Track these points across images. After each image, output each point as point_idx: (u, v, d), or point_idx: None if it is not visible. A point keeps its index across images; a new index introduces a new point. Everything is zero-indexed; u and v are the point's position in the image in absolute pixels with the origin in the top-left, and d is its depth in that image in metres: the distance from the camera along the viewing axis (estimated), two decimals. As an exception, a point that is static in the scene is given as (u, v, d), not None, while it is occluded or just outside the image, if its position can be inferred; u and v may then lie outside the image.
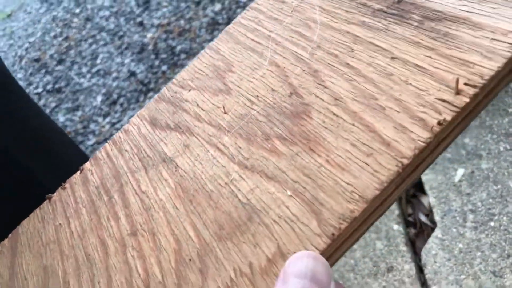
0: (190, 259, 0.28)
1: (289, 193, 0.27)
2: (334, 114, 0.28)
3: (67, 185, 0.39)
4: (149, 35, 2.33)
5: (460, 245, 0.76)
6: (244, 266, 0.25)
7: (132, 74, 2.18)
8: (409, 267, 0.79)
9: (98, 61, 2.43)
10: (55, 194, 0.39)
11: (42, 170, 0.55)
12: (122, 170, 0.36)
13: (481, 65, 0.25)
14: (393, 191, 0.24)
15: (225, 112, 0.34)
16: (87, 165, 0.40)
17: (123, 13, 2.70)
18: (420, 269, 0.79)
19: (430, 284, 0.75)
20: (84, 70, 2.42)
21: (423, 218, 0.87)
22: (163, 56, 2.15)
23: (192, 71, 0.40)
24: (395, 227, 0.84)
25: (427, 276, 0.77)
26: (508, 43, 0.25)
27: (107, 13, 2.76)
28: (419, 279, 0.77)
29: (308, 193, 0.26)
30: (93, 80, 2.30)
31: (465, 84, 0.25)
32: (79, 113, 2.18)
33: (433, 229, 0.81)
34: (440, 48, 0.27)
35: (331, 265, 0.24)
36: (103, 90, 2.22)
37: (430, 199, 0.84)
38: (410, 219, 0.89)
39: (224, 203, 0.29)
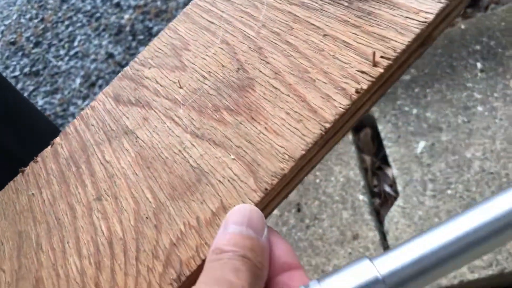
0: (147, 217, 0.31)
1: (232, 157, 0.30)
2: (273, 86, 0.32)
3: (39, 158, 0.42)
4: (126, 16, 2.32)
5: (420, 213, 0.81)
6: (192, 220, 0.29)
7: (110, 55, 2.18)
8: (373, 235, 0.84)
9: (76, 43, 2.41)
10: (27, 167, 0.42)
11: (16, 145, 0.58)
12: (89, 143, 0.40)
13: (395, 40, 0.29)
14: (317, 152, 0.28)
15: (180, 87, 0.37)
16: (57, 139, 0.43)
17: (99, -7, 2.67)
18: (383, 236, 0.84)
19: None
20: (61, 52, 2.41)
21: (387, 188, 0.92)
22: (140, 37, 2.15)
23: (152, 50, 0.43)
24: (361, 197, 0.89)
25: (389, 242, 0.82)
26: (418, 20, 0.28)
27: (83, -6, 2.72)
28: (382, 245, 0.82)
29: (248, 156, 0.30)
30: (71, 63, 2.29)
31: (381, 57, 0.28)
32: (58, 96, 2.18)
33: (396, 199, 0.86)
34: (364, 25, 0.31)
35: (266, 216, 0.28)
36: (82, 73, 2.21)
37: (393, 171, 0.89)
38: (375, 190, 0.94)
39: (177, 168, 0.32)
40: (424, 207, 0.81)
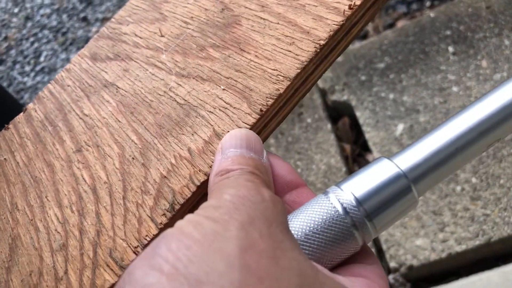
0: (133, 158, 0.29)
1: (222, 87, 0.29)
2: (261, 18, 0.31)
3: (10, 125, 0.40)
4: (94, 29, 2.29)
5: (403, 193, 0.80)
6: (183, 151, 0.27)
7: (79, 68, 2.13)
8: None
9: (42, 58, 2.36)
10: (-2, 135, 0.40)
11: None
12: (65, 102, 0.37)
13: (385, -42, 0.28)
14: (313, 70, 0.27)
15: (161, 36, 0.36)
16: (30, 105, 0.40)
17: (65, 10, 2.63)
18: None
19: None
20: (27, 68, 2.35)
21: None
22: (110, 48, 2.12)
23: (129, 9, 0.41)
24: (343, 183, 0.88)
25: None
26: None
27: (48, 11, 2.68)
28: (367, 228, 0.81)
29: (239, 84, 0.28)
30: (38, 78, 2.24)
31: (372, -26, 0.27)
32: (25, 112, 2.12)
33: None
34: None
35: (263, 140, 0.27)
36: (49, 88, 2.16)
37: (374, 154, 0.89)
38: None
39: (163, 108, 0.31)
40: (407, 187, 0.81)
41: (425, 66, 0.95)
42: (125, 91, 0.34)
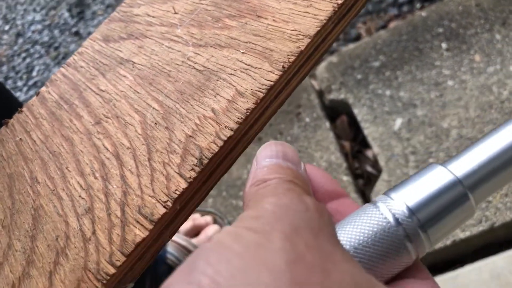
0: (155, 123, 0.30)
1: (242, 51, 0.29)
2: (275, -14, 0.32)
3: (24, 108, 0.40)
4: (87, 42, 2.30)
5: (405, 185, 0.81)
6: (207, 112, 0.28)
7: (72, 82, 2.13)
8: (360, 212, 0.83)
9: (34, 73, 2.36)
10: (11, 118, 0.40)
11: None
12: (80, 82, 0.38)
13: None
14: (332, 29, 0.28)
15: (175, 13, 0.36)
16: (43, 88, 0.40)
17: (56, 25, 2.64)
18: (371, 213, 0.83)
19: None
20: (19, 83, 2.34)
21: (369, 168, 0.92)
22: (103, 60, 2.12)
23: (140, -8, 0.42)
24: (345, 178, 0.89)
25: (378, 218, 0.82)
26: None
27: (39, 27, 2.68)
28: (370, 221, 0.82)
29: (259, 47, 0.29)
30: (31, 92, 2.23)
31: None
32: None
33: (379, 177, 0.87)
34: None
35: (288, 95, 0.27)
36: (42, 102, 2.15)
37: (374, 149, 0.90)
38: (358, 172, 0.94)
39: (182, 76, 0.31)
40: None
41: (420, 62, 0.97)
42: (142, 65, 0.34)
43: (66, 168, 0.32)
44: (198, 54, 0.32)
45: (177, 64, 0.32)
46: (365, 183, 0.91)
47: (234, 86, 0.28)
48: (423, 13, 1.06)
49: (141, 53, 0.35)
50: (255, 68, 0.28)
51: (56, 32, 2.55)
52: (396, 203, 0.20)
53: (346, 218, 0.21)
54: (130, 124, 0.31)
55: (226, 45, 0.31)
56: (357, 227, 0.20)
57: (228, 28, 0.32)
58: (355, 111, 0.97)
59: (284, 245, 0.16)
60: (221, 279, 0.15)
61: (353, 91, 1.00)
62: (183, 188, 0.25)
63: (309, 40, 0.27)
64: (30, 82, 2.31)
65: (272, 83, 0.27)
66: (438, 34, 1.00)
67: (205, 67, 0.30)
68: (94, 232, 0.27)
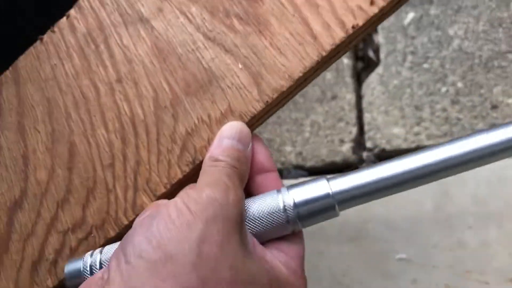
0: (165, 106, 0.38)
1: (240, 66, 0.36)
2: (281, 3, 0.35)
3: (56, 29, 0.46)
4: None
5: (395, 82, 0.88)
6: (204, 116, 0.36)
7: None
8: (350, 97, 0.92)
9: None
10: (45, 35, 0.46)
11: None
12: (105, 23, 0.43)
13: (394, -18, 0.32)
14: (312, 74, 0.34)
15: (194, -18, 0.40)
16: (72, 12, 0.45)
17: None
18: (359, 99, 0.92)
19: (365, 111, 0.90)
20: None
21: (371, 54, 0.97)
22: None
23: None
24: (346, 61, 0.95)
25: (363, 105, 0.91)
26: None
27: None
28: (356, 107, 0.91)
29: (254, 67, 0.35)
30: None
31: (379, -4, 0.32)
32: None
33: (377, 65, 0.93)
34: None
35: (261, 123, 0.35)
36: None
37: (379, 38, 0.93)
38: (360, 53, 0.99)
39: (190, 66, 0.38)
40: (400, 77, 0.88)
41: (455, -50, 0.92)
42: (159, 34, 0.40)
43: (94, 116, 0.41)
44: (206, 47, 0.37)
45: (188, 50, 0.38)
46: (363, 67, 0.97)
47: (228, 101, 0.35)
48: None
49: (159, 18, 0.40)
50: (247, 91, 0.35)
51: None
52: (289, 196, 0.31)
53: (259, 196, 0.32)
54: (145, 97, 0.39)
55: (229, 50, 0.36)
56: (261, 204, 0.31)
57: (234, 32, 0.37)
58: (374, -9, 0.96)
59: (203, 227, 0.27)
60: (162, 242, 0.26)
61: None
62: (178, 178, 0.35)
63: (291, 83, 0.33)
64: None
65: (255, 112, 0.34)
66: None
67: (209, 66, 0.37)
68: (114, 186, 0.38)
